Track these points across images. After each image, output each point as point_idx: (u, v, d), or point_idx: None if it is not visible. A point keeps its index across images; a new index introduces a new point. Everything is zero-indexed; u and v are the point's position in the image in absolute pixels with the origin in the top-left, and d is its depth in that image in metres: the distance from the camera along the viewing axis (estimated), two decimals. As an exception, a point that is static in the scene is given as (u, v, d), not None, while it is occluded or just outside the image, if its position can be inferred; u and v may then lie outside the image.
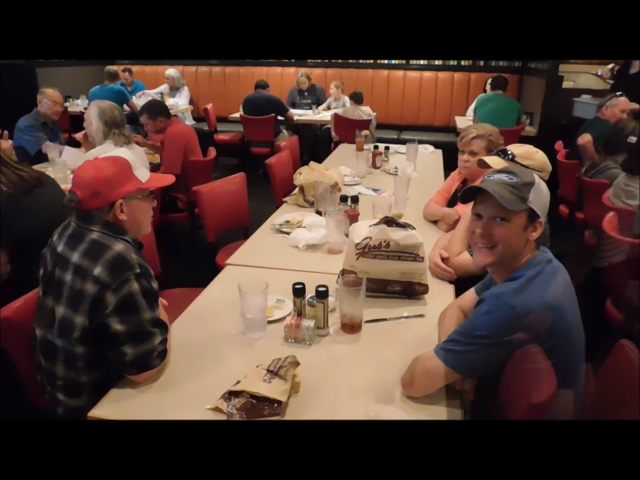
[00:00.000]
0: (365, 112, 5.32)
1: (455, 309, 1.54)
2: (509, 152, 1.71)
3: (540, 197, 1.25)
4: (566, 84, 5.64)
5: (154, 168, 3.59)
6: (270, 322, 1.57)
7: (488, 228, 1.24)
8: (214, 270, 2.49)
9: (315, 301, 1.50)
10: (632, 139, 2.51)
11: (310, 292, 1.54)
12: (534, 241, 1.27)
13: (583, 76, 5.91)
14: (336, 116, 5.30)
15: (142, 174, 1.40)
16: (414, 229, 1.67)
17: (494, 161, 1.70)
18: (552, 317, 1.16)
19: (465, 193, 1.29)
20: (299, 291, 1.50)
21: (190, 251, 3.57)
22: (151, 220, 1.47)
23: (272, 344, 1.49)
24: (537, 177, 1.27)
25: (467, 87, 6.67)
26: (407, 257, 1.66)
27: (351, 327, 1.52)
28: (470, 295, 1.55)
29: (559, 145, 4.06)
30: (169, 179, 1.47)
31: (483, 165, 1.72)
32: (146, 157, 3.08)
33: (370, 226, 1.66)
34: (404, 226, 1.66)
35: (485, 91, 5.57)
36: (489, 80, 5.39)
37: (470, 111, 5.77)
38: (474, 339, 1.17)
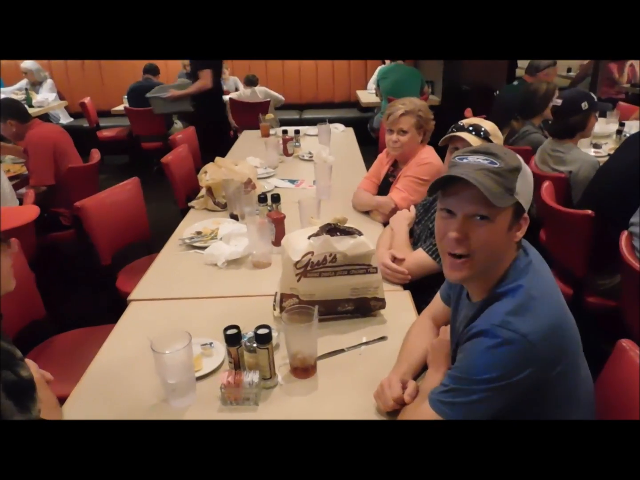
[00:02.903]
0: (263, 92, 5.00)
1: (427, 322, 1.27)
2: (483, 129, 1.45)
3: (526, 186, 0.97)
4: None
5: (24, 181, 3.00)
6: (199, 378, 1.21)
7: (464, 229, 0.94)
8: (116, 298, 2.06)
9: (256, 346, 1.16)
10: (558, 102, 2.38)
11: (245, 326, 1.20)
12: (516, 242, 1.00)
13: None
14: (232, 101, 4.90)
15: None
16: (362, 234, 1.37)
17: (470, 139, 1.45)
18: (565, 332, 0.93)
19: (437, 184, 0.97)
20: (233, 338, 1.15)
21: (84, 276, 3.01)
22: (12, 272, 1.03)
23: (207, 410, 1.13)
24: (521, 159, 0.99)
25: (364, 60, 6.48)
26: (358, 269, 1.35)
27: (304, 370, 1.20)
28: (439, 302, 1.28)
29: (468, 112, 3.96)
30: (28, 214, 1.03)
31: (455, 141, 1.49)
32: (3, 173, 2.47)
33: (309, 237, 1.34)
34: (350, 232, 1.35)
35: (384, 62, 5.38)
36: (388, 51, 5.20)
37: (371, 84, 5.59)
38: (482, 385, 0.89)
